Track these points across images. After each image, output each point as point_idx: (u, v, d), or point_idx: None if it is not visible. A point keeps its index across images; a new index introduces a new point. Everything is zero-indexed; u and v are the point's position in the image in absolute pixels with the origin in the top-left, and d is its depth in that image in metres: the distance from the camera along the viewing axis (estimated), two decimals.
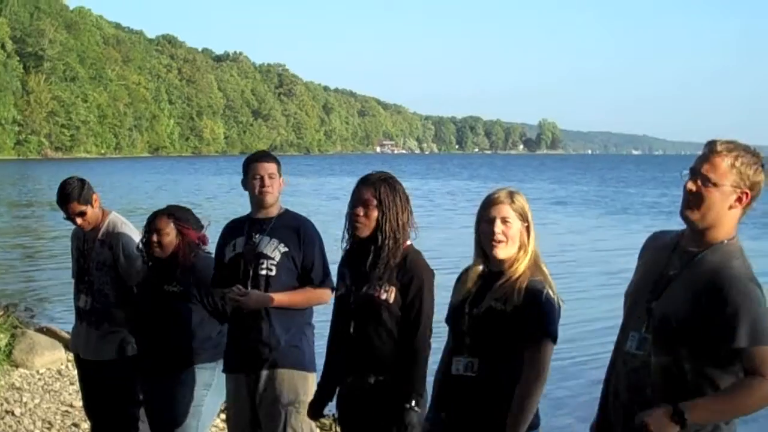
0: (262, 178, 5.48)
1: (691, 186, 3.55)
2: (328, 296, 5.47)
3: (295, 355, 5.44)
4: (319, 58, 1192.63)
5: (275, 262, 5.43)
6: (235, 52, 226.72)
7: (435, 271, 4.84)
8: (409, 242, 4.83)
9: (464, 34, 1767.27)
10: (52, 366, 11.03)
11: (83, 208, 6.27)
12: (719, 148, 3.53)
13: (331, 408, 5.22)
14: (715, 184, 3.51)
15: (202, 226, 6.01)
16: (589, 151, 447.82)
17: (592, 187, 66.13)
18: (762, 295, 3.44)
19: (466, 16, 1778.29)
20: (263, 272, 5.43)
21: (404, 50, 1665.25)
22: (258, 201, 5.53)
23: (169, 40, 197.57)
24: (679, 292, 3.54)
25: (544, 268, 4.24)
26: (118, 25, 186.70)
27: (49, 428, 8.62)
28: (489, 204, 4.25)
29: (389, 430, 4.66)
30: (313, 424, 5.57)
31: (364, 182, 4.83)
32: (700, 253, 3.57)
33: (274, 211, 5.55)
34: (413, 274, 4.72)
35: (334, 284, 5.26)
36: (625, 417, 3.63)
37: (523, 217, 4.23)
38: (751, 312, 3.36)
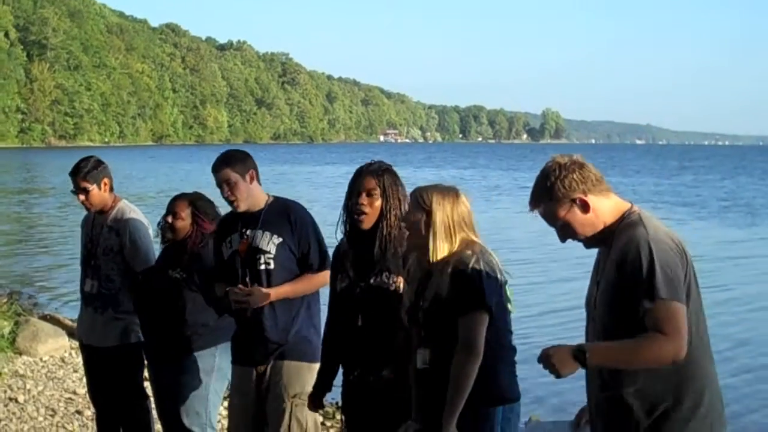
0: (222, 187, 5.41)
1: (562, 239, 3.78)
2: (327, 278, 5.30)
3: (302, 345, 5.38)
4: (323, 46, 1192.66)
5: (272, 255, 5.35)
6: (238, 41, 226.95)
7: None
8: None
9: (468, 23, 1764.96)
10: (55, 353, 11.04)
11: (87, 185, 6.27)
12: (535, 210, 3.74)
13: (334, 396, 5.19)
14: (564, 224, 3.69)
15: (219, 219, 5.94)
16: (593, 141, 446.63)
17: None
18: (668, 251, 3.52)
19: (469, 5, 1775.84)
20: (262, 267, 5.37)
21: (408, 39, 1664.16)
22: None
23: (173, 29, 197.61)
24: (603, 287, 3.64)
25: (476, 243, 4.26)
26: (121, 14, 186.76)
27: (52, 415, 8.63)
28: None
29: (391, 423, 4.62)
30: (318, 416, 5.55)
31: (367, 171, 4.78)
32: (611, 242, 3.66)
33: (261, 203, 5.46)
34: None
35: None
36: (599, 412, 3.74)
37: (422, 206, 4.28)
38: (650, 269, 3.45)
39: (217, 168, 5.43)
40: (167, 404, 5.97)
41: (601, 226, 3.68)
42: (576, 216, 3.66)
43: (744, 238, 26.47)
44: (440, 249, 4.22)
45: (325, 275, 5.29)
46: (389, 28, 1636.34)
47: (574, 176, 3.66)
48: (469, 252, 4.20)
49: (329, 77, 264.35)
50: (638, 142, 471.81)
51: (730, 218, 32.45)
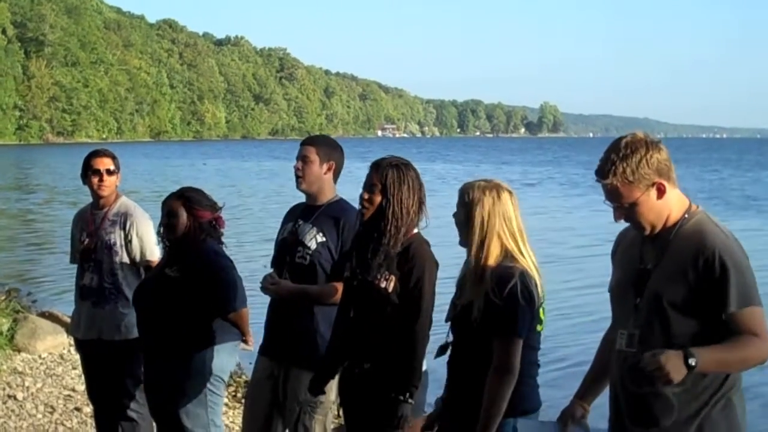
0: (297, 160, 5.42)
1: (619, 218, 3.63)
2: None
3: (317, 355, 5.26)
4: (321, 42, 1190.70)
5: (310, 251, 5.33)
6: (236, 37, 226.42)
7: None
8: (416, 230, 4.78)
9: (466, 18, 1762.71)
10: (54, 350, 11.05)
11: (113, 167, 6.40)
12: (604, 181, 3.56)
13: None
14: (632, 204, 3.55)
15: (217, 208, 5.89)
16: (591, 134, 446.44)
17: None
18: (744, 256, 3.50)
19: (467, 0, 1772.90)
20: (298, 260, 5.36)
21: (406, 34, 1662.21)
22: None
23: (170, 25, 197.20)
24: (664, 279, 3.56)
25: (523, 256, 4.21)
26: (118, 10, 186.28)
27: (51, 412, 8.63)
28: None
29: (382, 419, 4.67)
30: (330, 424, 5.52)
31: (374, 166, 4.79)
32: (670, 235, 3.59)
33: (326, 198, 5.44)
34: (414, 264, 4.66)
35: None
36: (634, 406, 3.66)
37: (463, 203, 4.25)
38: (739, 276, 3.42)
39: (305, 142, 5.50)
40: (162, 403, 5.94)
41: (665, 217, 3.58)
42: (649, 200, 3.54)
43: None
44: (475, 244, 4.19)
45: None
46: (387, 23, 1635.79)
47: (660, 156, 3.53)
48: (510, 271, 4.13)
49: (327, 72, 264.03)
50: None
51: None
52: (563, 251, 21.00)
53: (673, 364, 3.34)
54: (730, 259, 3.44)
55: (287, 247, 5.45)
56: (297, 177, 5.43)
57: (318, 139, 5.57)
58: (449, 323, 4.37)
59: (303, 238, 5.37)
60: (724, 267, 3.42)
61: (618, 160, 3.52)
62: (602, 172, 3.56)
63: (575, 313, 14.13)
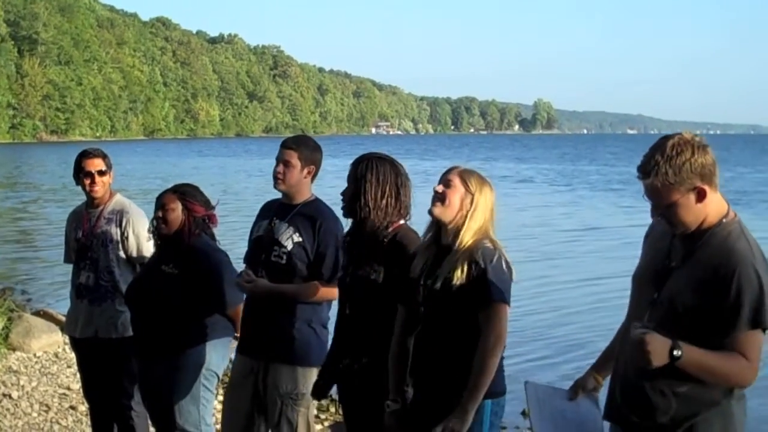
0: (278, 163, 5.45)
1: (655, 216, 3.61)
2: (336, 294, 5.31)
3: (297, 349, 5.37)
4: (314, 39, 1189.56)
5: (287, 251, 5.36)
6: (229, 34, 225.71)
7: None
8: (401, 222, 4.81)
9: (459, 15, 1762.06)
10: (49, 349, 11.04)
11: (104, 167, 6.38)
12: (647, 180, 3.53)
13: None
14: (671, 205, 3.51)
15: (210, 206, 5.93)
16: (585, 131, 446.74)
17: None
18: (765, 275, 3.45)
19: None
20: (274, 259, 5.39)
21: (399, 31, 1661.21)
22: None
23: (163, 23, 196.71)
24: (683, 281, 3.55)
25: (494, 238, 4.34)
26: (111, 8, 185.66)
27: (46, 411, 8.63)
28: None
29: (380, 413, 4.66)
30: (311, 416, 5.57)
31: (353, 161, 4.88)
32: (701, 239, 3.57)
33: (302, 198, 5.46)
34: (400, 254, 4.68)
35: None
36: (634, 396, 3.67)
37: (468, 187, 4.32)
38: (752, 297, 3.41)
39: (287, 144, 5.48)
40: (157, 401, 5.95)
41: (701, 220, 3.55)
42: (689, 203, 3.50)
43: None
44: (472, 231, 4.28)
45: (334, 291, 5.28)
46: (380, 21, 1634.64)
47: (704, 161, 3.48)
48: (490, 246, 4.27)
49: (321, 70, 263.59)
50: (630, 131, 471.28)
51: None
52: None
53: (656, 347, 3.39)
54: (757, 277, 3.42)
55: (263, 245, 5.46)
56: (275, 178, 5.44)
57: (300, 143, 5.52)
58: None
59: (279, 237, 5.40)
60: (740, 288, 3.41)
61: (662, 160, 3.48)
62: (644, 171, 3.53)
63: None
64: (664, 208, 3.54)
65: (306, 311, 5.39)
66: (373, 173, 4.75)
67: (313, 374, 5.32)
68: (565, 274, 17.65)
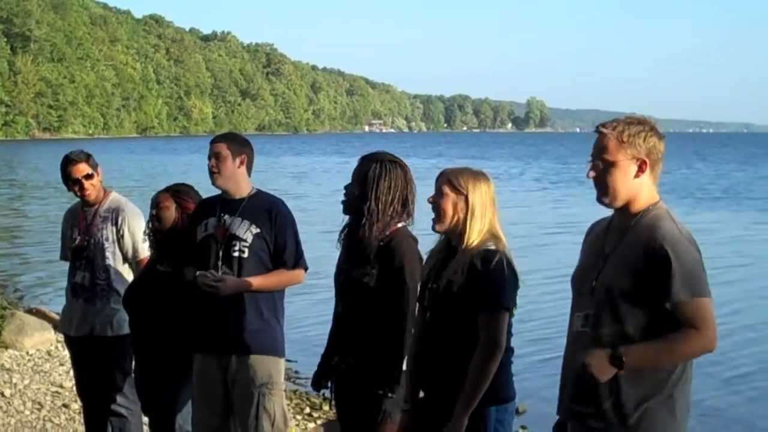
0: (210, 159, 5.49)
1: (591, 174, 3.71)
2: (301, 277, 5.51)
3: (266, 339, 5.41)
4: (307, 37, 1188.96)
5: (247, 244, 5.38)
6: (222, 32, 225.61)
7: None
8: (400, 225, 4.80)
9: (453, 12, 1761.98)
10: (41, 347, 11.05)
11: (91, 171, 6.34)
12: (603, 129, 3.70)
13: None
14: (611, 164, 3.64)
15: None
16: (578, 129, 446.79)
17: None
18: (695, 250, 3.58)
19: None
20: (235, 254, 5.38)
21: (393, 29, 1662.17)
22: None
23: (157, 20, 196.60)
24: (618, 264, 3.65)
25: (502, 237, 4.31)
26: (105, 5, 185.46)
27: (39, 409, 8.63)
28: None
29: (369, 414, 4.70)
30: (285, 405, 5.61)
31: (361, 160, 4.85)
32: (629, 225, 3.68)
33: (245, 192, 5.50)
34: (394, 258, 4.69)
35: (307, 264, 5.43)
36: (578, 385, 3.70)
37: (458, 190, 4.28)
38: (684, 267, 3.51)
39: (215, 140, 5.56)
40: (155, 402, 5.93)
41: (630, 198, 3.67)
42: (627, 170, 3.65)
43: None
44: (475, 231, 4.25)
45: (298, 274, 5.43)
46: (374, 19, 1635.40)
47: (656, 144, 3.68)
48: (494, 247, 4.24)
49: (314, 67, 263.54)
50: None
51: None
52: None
53: (597, 365, 3.52)
54: (676, 250, 3.53)
55: (217, 243, 5.44)
56: (212, 173, 5.48)
57: (227, 136, 5.66)
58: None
59: (236, 232, 5.41)
60: (668, 257, 3.51)
61: (623, 123, 3.69)
62: (603, 125, 3.72)
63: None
64: (602, 169, 3.65)
65: (268, 303, 5.44)
66: (385, 179, 4.74)
67: (282, 363, 5.45)
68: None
